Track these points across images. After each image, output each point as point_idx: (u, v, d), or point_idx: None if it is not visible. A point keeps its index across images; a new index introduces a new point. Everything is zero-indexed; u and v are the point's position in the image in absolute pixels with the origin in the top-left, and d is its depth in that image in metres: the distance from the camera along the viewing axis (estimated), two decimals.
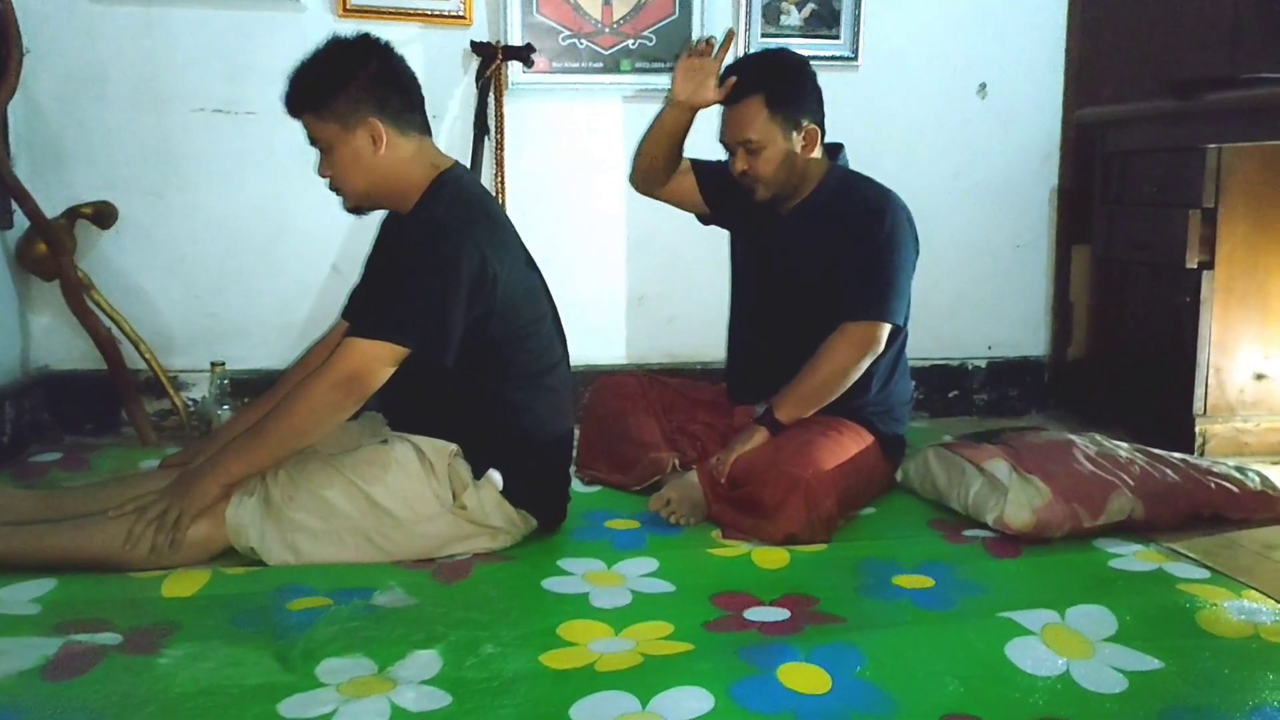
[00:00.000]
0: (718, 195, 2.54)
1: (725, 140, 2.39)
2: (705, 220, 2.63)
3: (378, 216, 2.21)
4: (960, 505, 2.29)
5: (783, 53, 2.46)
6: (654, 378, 2.70)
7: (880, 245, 2.33)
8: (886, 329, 2.33)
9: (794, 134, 2.34)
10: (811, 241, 2.39)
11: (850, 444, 2.29)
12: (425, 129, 2.06)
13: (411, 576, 1.90)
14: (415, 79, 2.04)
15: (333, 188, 2.03)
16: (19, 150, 2.85)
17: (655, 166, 2.49)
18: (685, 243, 3.10)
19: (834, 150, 2.47)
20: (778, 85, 2.33)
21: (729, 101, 2.34)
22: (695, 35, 3.08)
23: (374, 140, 1.96)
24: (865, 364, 2.32)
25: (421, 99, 2.06)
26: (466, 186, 2.07)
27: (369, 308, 2.07)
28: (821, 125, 2.39)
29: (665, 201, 2.59)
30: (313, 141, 2.00)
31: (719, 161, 2.52)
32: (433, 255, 1.93)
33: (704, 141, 2.51)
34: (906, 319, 2.41)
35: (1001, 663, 1.59)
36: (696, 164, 2.56)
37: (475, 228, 1.98)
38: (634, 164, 2.54)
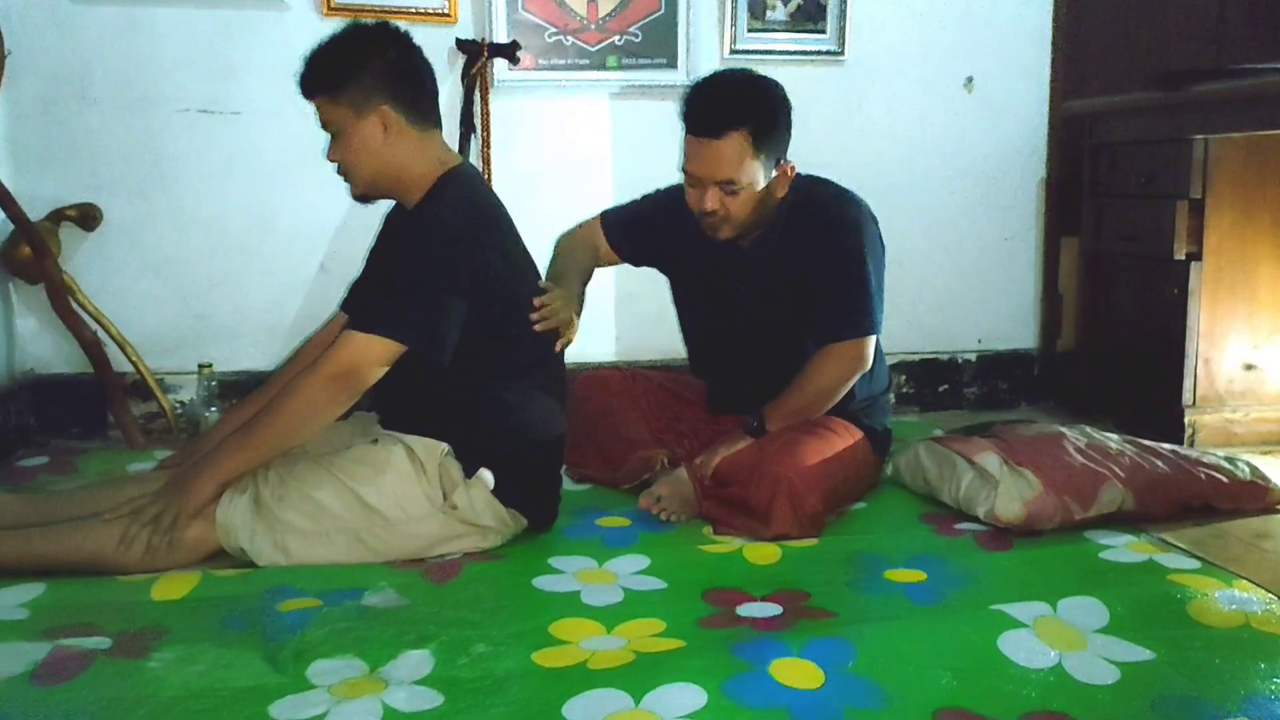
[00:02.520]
0: (636, 249, 2.48)
1: (696, 174, 2.16)
2: (636, 265, 2.54)
3: (372, 213, 2.20)
4: (951, 499, 2.29)
5: (759, 79, 2.19)
6: (637, 373, 2.65)
7: (850, 256, 2.24)
8: (873, 342, 2.31)
9: (773, 171, 2.18)
10: (779, 270, 2.29)
11: (836, 440, 2.28)
12: (436, 124, 2.06)
13: (402, 577, 1.89)
14: (431, 72, 2.05)
15: (340, 172, 2.03)
16: (1, 152, 2.83)
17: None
18: None
19: None
20: (763, 119, 2.12)
21: (705, 134, 2.11)
22: (681, 32, 3.07)
23: (384, 128, 1.97)
24: (855, 380, 2.31)
25: (435, 93, 2.06)
26: (472, 186, 2.06)
27: (368, 302, 2.07)
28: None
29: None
30: (324, 125, 2.00)
31: (620, 210, 2.46)
32: (433, 254, 1.93)
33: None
34: None
35: (994, 655, 1.59)
36: (605, 224, 2.47)
37: (478, 228, 1.98)
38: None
